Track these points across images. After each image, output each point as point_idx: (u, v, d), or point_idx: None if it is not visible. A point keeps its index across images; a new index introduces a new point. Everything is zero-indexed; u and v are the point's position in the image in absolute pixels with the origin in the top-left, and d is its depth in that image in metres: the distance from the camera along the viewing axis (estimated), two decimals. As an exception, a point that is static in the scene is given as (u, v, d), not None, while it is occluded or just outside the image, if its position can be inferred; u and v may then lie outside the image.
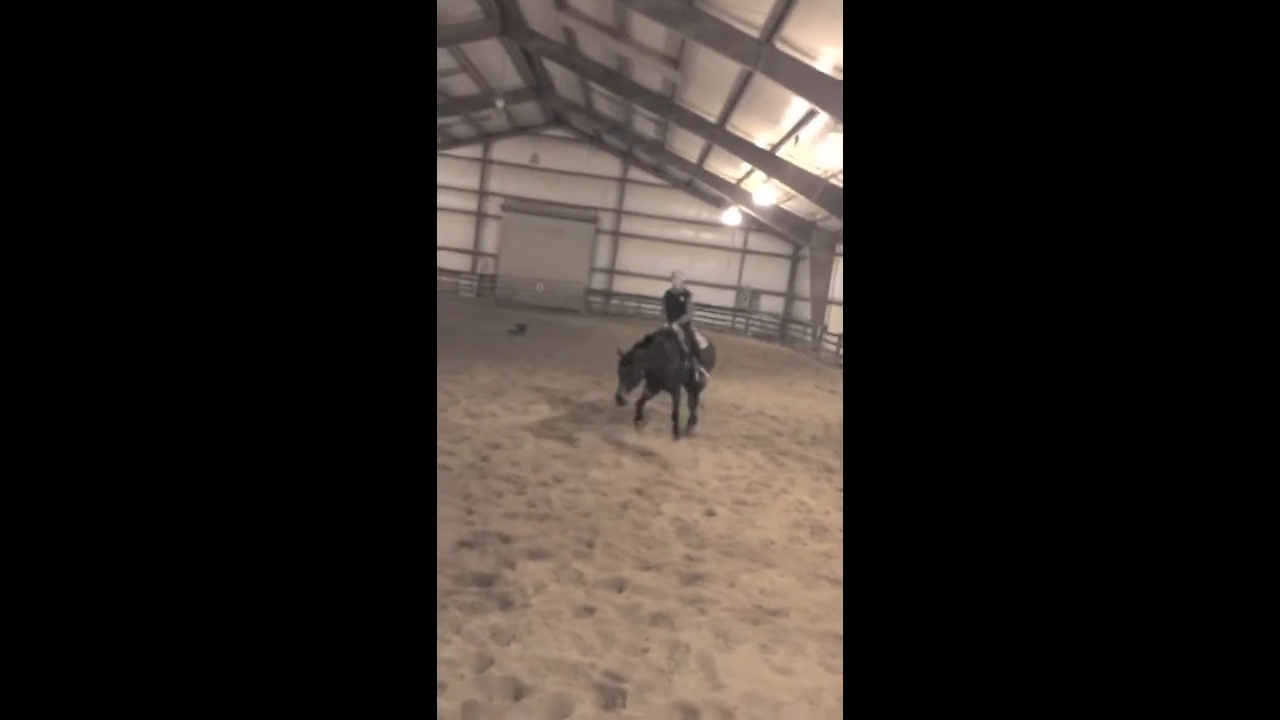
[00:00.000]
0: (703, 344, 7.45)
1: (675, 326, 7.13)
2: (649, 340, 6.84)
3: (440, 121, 21.29)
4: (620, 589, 3.52)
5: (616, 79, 15.52)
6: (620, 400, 6.51)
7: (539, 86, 19.78)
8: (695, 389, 7.20)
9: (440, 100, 19.39)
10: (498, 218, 24.13)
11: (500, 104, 18.95)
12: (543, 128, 23.90)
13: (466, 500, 4.52)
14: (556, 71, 17.99)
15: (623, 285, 24.54)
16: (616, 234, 24.24)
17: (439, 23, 13.20)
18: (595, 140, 23.66)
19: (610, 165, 24.14)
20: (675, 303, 7.36)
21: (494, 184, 24.42)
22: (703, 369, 7.16)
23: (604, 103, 18.97)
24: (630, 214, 24.25)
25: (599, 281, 24.65)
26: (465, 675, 2.62)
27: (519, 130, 23.75)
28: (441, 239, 24.35)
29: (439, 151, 23.95)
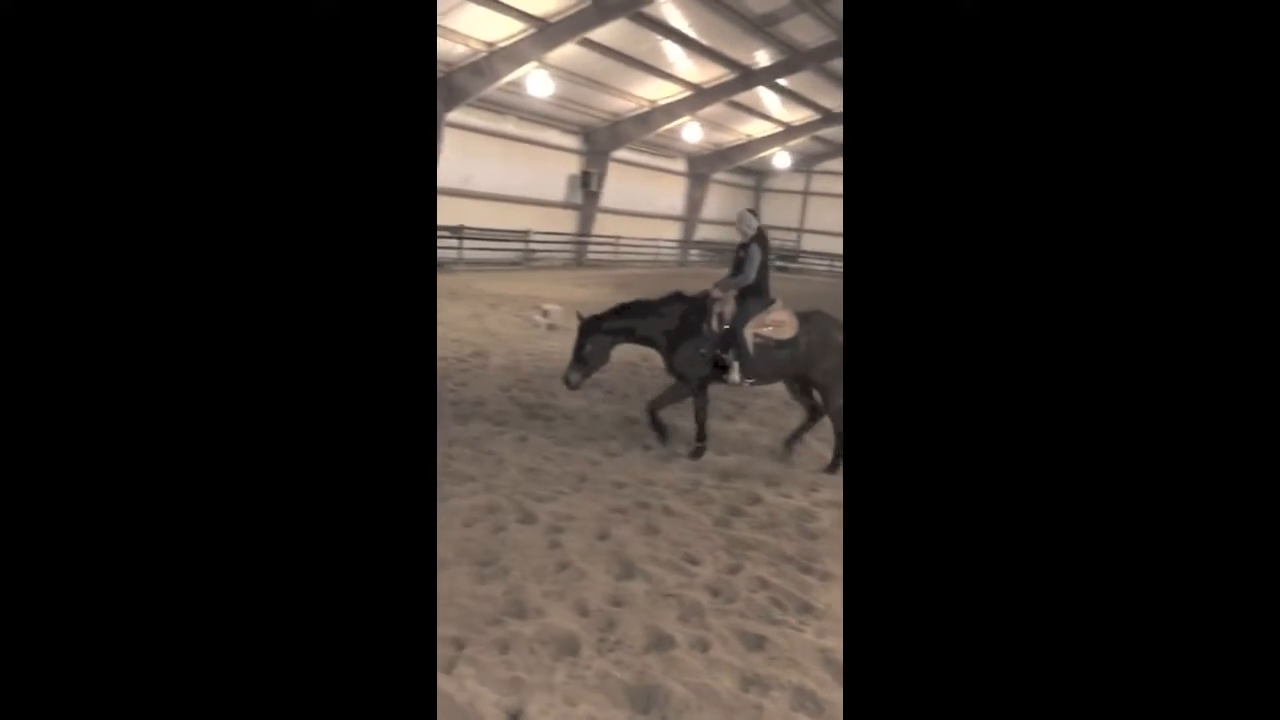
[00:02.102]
0: (785, 333, 4.51)
1: (717, 292, 4.60)
2: (624, 307, 4.64)
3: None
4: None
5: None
6: (569, 383, 4.58)
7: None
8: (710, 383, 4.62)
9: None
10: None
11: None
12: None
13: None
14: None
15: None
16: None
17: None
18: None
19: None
20: (735, 258, 4.74)
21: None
22: (737, 363, 4.47)
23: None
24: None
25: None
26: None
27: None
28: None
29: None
